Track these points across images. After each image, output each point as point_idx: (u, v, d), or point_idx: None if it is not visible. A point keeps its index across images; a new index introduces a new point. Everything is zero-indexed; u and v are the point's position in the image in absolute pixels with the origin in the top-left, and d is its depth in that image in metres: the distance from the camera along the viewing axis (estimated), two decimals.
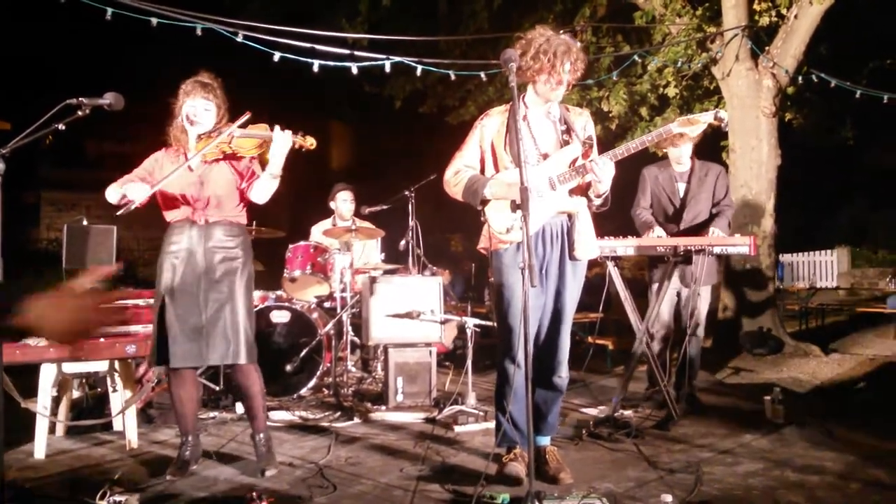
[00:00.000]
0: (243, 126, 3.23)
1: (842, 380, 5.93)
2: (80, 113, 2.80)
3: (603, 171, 2.96)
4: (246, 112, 3.23)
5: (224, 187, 3.31)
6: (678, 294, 4.54)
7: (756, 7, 7.23)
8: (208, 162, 3.29)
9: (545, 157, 3.11)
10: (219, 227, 3.29)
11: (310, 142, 3.24)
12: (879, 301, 10.55)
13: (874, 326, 8.43)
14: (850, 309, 10.48)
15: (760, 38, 7.27)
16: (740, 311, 7.08)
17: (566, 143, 3.12)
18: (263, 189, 3.27)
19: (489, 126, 3.20)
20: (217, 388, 4.73)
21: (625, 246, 4.12)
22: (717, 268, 4.67)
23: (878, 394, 5.36)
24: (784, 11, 7.18)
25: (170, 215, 3.33)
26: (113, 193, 3.25)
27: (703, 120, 2.99)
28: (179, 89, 3.33)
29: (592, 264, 3.44)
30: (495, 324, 3.24)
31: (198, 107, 3.29)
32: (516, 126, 2.79)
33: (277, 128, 3.19)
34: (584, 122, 3.21)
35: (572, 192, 3.15)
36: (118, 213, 3.17)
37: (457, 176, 3.18)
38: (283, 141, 3.16)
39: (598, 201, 3.11)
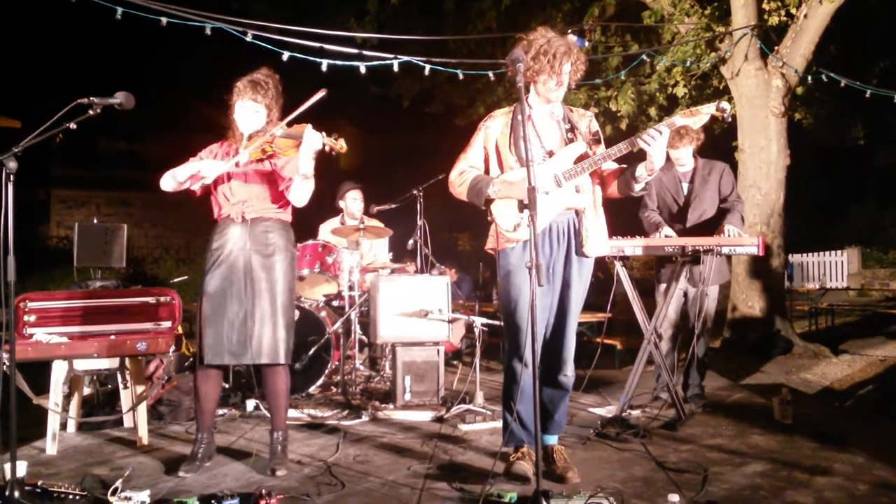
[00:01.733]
0: (289, 125, 3.24)
1: (851, 381, 5.91)
2: (91, 112, 2.83)
3: (660, 142, 2.89)
4: (321, 91, 3.16)
5: (262, 185, 3.34)
6: (685, 294, 4.54)
7: (765, 6, 7.21)
8: (253, 161, 3.32)
9: (550, 154, 3.12)
10: (260, 225, 3.32)
11: (340, 144, 3.19)
12: (890, 302, 10.51)
13: (885, 327, 8.40)
14: (861, 310, 10.43)
15: (770, 38, 7.25)
16: (749, 311, 7.06)
17: (571, 140, 3.13)
18: (298, 191, 3.27)
19: (493, 127, 3.21)
20: (226, 386, 4.76)
21: (633, 246, 4.11)
22: (726, 267, 4.66)
23: (887, 395, 5.34)
24: (793, 11, 7.15)
25: (216, 210, 3.39)
26: (171, 179, 3.27)
27: (704, 111, 2.98)
28: (237, 84, 3.34)
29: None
30: (502, 323, 3.24)
31: (246, 108, 3.31)
32: (524, 126, 2.79)
33: (308, 127, 3.16)
34: (587, 122, 3.23)
35: (594, 182, 3.16)
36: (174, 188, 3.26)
37: (461, 176, 3.20)
38: (310, 141, 3.12)
39: (640, 185, 3.02)
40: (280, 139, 3.23)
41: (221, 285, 3.27)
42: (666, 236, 4.32)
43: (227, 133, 3.43)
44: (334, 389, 5.12)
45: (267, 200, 3.35)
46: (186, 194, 3.39)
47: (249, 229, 3.31)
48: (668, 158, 4.57)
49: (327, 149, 3.19)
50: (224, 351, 3.24)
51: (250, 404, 4.52)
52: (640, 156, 2.99)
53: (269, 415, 3.54)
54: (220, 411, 4.45)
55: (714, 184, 4.49)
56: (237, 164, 3.31)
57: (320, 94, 3.17)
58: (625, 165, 3.12)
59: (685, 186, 4.54)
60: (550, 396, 3.24)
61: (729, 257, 4.86)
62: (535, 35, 3.08)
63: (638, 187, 3.05)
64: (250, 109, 3.31)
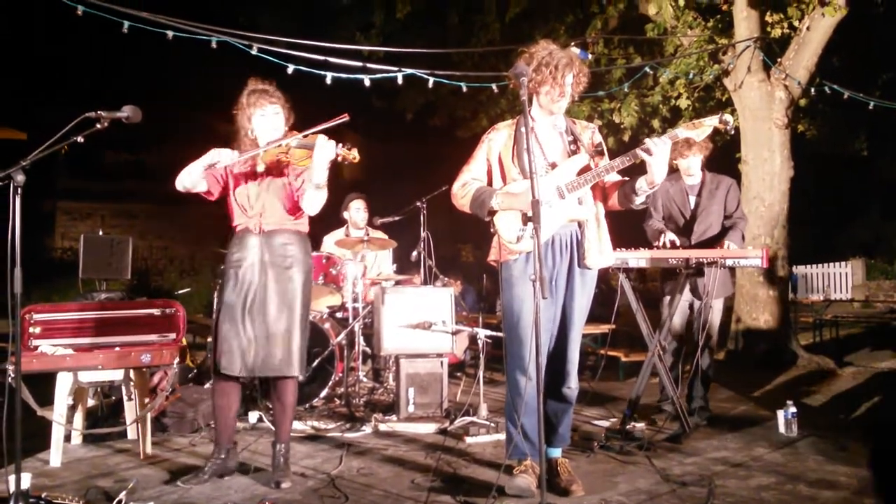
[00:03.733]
0: (305, 136, 3.24)
1: (856, 393, 5.88)
2: (98, 126, 2.85)
3: (661, 153, 2.89)
4: (344, 115, 3.18)
5: (279, 196, 3.35)
6: (690, 306, 4.53)
7: (768, 19, 7.24)
8: (270, 168, 3.33)
9: (553, 166, 3.13)
10: (276, 236, 3.32)
11: (353, 155, 3.18)
12: (895, 313, 10.47)
13: (890, 339, 8.36)
14: (866, 321, 10.39)
15: (773, 50, 7.27)
16: (754, 323, 7.04)
17: (574, 153, 3.14)
18: (310, 201, 3.27)
19: (496, 139, 3.23)
20: None
21: (637, 258, 4.12)
22: (730, 280, 4.66)
23: (892, 408, 5.31)
24: (796, 23, 7.18)
25: (234, 220, 3.40)
26: (187, 174, 3.27)
27: (707, 123, 2.99)
28: (242, 100, 3.34)
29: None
30: (504, 335, 3.23)
31: (268, 113, 3.31)
32: (528, 139, 2.80)
33: (322, 137, 3.17)
34: (590, 134, 3.24)
35: (595, 193, 3.17)
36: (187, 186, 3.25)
37: (464, 188, 3.21)
38: (323, 151, 3.12)
39: (641, 198, 3.02)
40: (295, 149, 3.25)
41: (238, 297, 3.27)
42: (670, 241, 4.32)
43: (233, 146, 3.41)
44: (338, 401, 5.12)
45: (284, 211, 3.36)
46: (192, 204, 3.40)
47: (267, 241, 3.31)
48: (676, 169, 4.59)
49: (339, 158, 3.20)
50: (239, 363, 3.23)
51: (253, 416, 4.52)
52: (643, 169, 2.99)
53: (272, 427, 3.54)
54: None
55: (721, 198, 4.50)
56: (254, 167, 3.33)
57: (343, 118, 3.17)
58: (626, 178, 3.13)
59: (692, 199, 4.54)
60: (554, 409, 3.23)
61: (732, 271, 4.86)
62: (536, 48, 3.10)
63: (638, 200, 3.05)
64: (271, 112, 3.32)
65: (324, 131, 3.23)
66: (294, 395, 3.39)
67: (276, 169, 3.36)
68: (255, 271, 3.29)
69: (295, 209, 3.38)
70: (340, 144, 3.16)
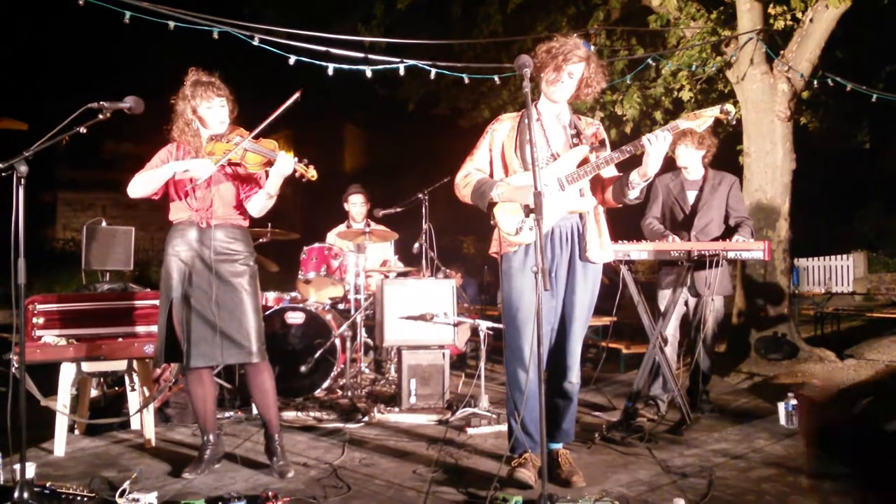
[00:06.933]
0: (255, 139, 3.26)
1: (857, 386, 5.89)
2: (101, 116, 2.86)
3: (660, 144, 2.90)
4: (296, 93, 3.19)
5: (228, 193, 3.36)
6: (685, 303, 4.51)
7: (771, 11, 7.20)
8: (226, 165, 3.33)
9: (555, 157, 3.12)
10: (220, 230, 3.32)
11: (311, 173, 3.23)
12: None
13: (890, 332, 8.37)
14: (867, 314, 10.39)
15: (775, 42, 7.24)
16: (755, 315, 7.05)
17: (575, 145, 3.14)
18: (258, 205, 3.34)
19: (500, 131, 3.22)
20: (230, 387, 4.77)
21: (638, 250, 4.12)
22: (730, 279, 4.64)
23: (892, 400, 5.32)
24: (799, 15, 7.14)
25: (174, 215, 3.37)
26: (144, 185, 3.26)
27: (708, 114, 2.99)
28: (186, 90, 3.30)
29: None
30: (504, 327, 3.23)
31: (214, 105, 3.30)
32: (531, 131, 2.79)
33: (282, 152, 3.21)
34: (594, 130, 3.23)
35: (594, 189, 3.16)
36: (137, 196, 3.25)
37: (466, 179, 3.20)
38: (283, 164, 3.18)
39: (635, 192, 3.02)
40: (250, 153, 3.26)
41: (191, 290, 3.26)
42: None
43: (171, 137, 3.38)
44: (340, 392, 5.14)
45: (231, 207, 3.37)
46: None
47: (212, 235, 3.30)
48: (676, 166, 4.59)
49: (297, 174, 3.22)
50: (205, 354, 3.25)
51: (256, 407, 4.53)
52: (636, 163, 2.99)
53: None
54: (227, 414, 4.46)
55: (723, 194, 4.48)
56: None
57: (295, 96, 3.19)
58: (621, 174, 3.12)
59: (692, 195, 4.53)
60: (556, 404, 3.22)
61: (734, 264, 4.86)
62: (554, 40, 3.09)
63: (632, 194, 3.04)
64: (217, 105, 3.31)
65: (277, 121, 3.24)
66: (271, 380, 3.38)
67: (228, 168, 3.34)
68: (204, 266, 3.27)
69: (240, 206, 3.39)
70: (297, 160, 3.20)
